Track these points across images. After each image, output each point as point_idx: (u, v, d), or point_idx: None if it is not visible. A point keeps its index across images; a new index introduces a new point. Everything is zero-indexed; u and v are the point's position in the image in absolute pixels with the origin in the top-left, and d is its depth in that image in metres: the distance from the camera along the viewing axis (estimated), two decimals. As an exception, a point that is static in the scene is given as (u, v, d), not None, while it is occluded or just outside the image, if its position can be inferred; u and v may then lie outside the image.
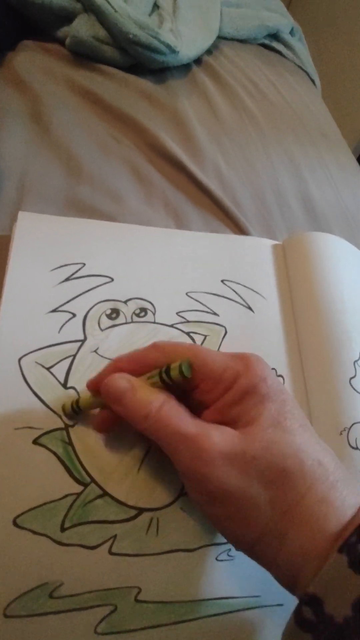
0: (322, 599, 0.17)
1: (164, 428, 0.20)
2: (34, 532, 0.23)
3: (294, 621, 0.18)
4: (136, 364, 0.23)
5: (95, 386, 0.24)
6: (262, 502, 0.19)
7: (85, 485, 0.25)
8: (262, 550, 0.20)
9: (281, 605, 0.25)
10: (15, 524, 0.23)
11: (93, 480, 0.25)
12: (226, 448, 0.19)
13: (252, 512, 0.19)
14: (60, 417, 0.26)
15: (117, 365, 0.24)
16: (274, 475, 0.19)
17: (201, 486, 0.20)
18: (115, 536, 0.24)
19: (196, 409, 0.22)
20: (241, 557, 0.25)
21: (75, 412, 0.26)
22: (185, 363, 0.21)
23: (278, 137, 0.56)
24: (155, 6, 0.61)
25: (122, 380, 0.22)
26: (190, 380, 0.22)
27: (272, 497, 0.19)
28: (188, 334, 0.32)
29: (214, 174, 0.47)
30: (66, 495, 0.24)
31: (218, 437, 0.20)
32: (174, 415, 0.21)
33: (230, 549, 0.26)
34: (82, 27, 0.53)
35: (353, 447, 0.29)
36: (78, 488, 0.25)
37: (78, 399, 0.26)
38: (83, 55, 0.54)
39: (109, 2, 0.52)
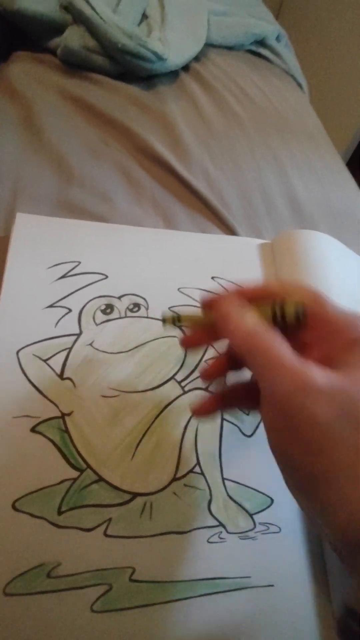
0: None
1: (264, 352, 0.20)
2: (33, 515, 0.24)
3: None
4: (256, 293, 0.24)
5: (208, 303, 0.25)
6: (351, 445, 0.18)
7: (81, 471, 0.26)
8: (324, 488, 0.19)
9: (272, 585, 0.26)
10: (14, 507, 0.24)
11: (89, 466, 0.26)
12: (324, 381, 0.19)
13: (332, 447, 0.18)
14: (57, 406, 0.28)
15: (238, 290, 0.24)
16: None
17: (287, 410, 0.19)
18: (110, 519, 0.25)
19: (297, 347, 0.22)
20: (232, 540, 0.27)
21: (174, 325, 0.26)
22: (300, 306, 0.22)
23: (265, 139, 0.58)
24: (144, 16, 0.63)
25: (233, 300, 0.23)
26: (301, 324, 0.22)
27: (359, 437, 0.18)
28: (180, 327, 0.34)
29: (202, 175, 0.48)
30: (63, 481, 0.26)
31: (320, 373, 0.19)
32: (276, 342, 0.20)
33: (221, 532, 0.27)
34: (73, 38, 0.54)
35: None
36: (74, 474, 0.26)
37: (179, 315, 0.26)
38: (74, 65, 0.56)
39: (98, 14, 0.53)
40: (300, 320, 0.22)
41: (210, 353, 0.33)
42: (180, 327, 0.28)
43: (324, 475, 0.19)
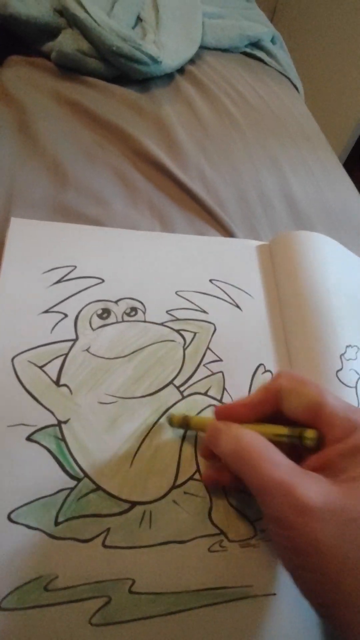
0: None
1: (254, 469, 0.19)
2: (29, 527, 0.24)
3: None
4: (253, 411, 0.24)
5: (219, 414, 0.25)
6: (352, 567, 0.17)
7: (79, 480, 0.25)
8: (339, 617, 0.18)
9: (274, 594, 0.26)
10: (9, 519, 0.24)
11: (86, 475, 0.26)
12: (322, 502, 0.18)
13: (339, 574, 0.17)
14: (53, 413, 0.27)
15: (235, 411, 0.24)
16: None
17: (287, 534, 0.18)
18: (108, 529, 0.25)
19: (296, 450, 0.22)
20: (233, 548, 0.26)
21: (180, 426, 0.27)
22: (314, 435, 0.21)
23: (261, 141, 0.58)
24: (139, 19, 0.63)
25: (221, 423, 0.23)
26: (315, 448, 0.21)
27: None
28: (178, 331, 0.33)
29: (198, 177, 0.48)
30: (60, 490, 0.25)
31: (315, 488, 0.18)
32: (266, 455, 0.20)
33: (222, 540, 0.26)
34: (67, 41, 0.54)
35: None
36: (71, 483, 0.25)
37: (189, 416, 0.26)
38: (68, 68, 0.56)
39: (92, 17, 0.53)
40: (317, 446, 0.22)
41: (210, 356, 0.33)
42: (186, 430, 0.28)
43: (336, 606, 0.18)
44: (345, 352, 0.33)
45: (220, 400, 0.31)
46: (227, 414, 0.24)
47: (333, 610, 0.18)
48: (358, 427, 0.20)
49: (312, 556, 0.18)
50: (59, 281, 0.33)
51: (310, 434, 0.21)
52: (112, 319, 0.32)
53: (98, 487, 0.26)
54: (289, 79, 0.79)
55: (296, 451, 0.22)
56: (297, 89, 0.81)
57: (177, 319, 0.34)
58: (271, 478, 0.19)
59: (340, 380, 0.31)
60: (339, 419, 0.21)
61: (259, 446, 0.20)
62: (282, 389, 0.23)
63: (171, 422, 0.27)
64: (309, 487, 0.18)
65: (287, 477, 0.18)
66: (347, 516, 0.17)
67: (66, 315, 0.31)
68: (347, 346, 0.33)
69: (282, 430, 0.22)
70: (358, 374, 0.32)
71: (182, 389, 0.30)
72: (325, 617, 0.19)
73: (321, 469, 0.20)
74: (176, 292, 0.35)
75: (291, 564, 0.19)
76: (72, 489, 0.25)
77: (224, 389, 0.31)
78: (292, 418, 0.22)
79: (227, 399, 0.31)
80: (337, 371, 0.32)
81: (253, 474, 0.19)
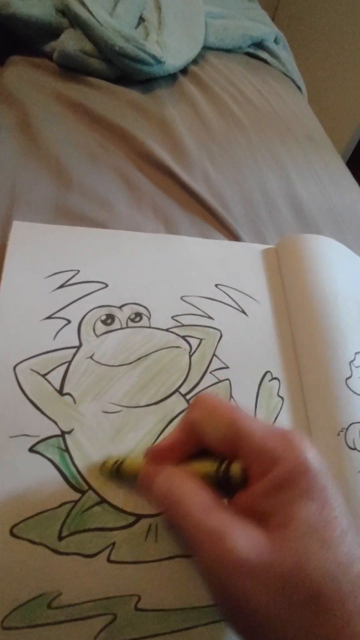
0: None
1: (183, 518, 0.18)
2: (32, 542, 0.23)
3: None
4: (180, 451, 0.22)
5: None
6: (293, 628, 0.16)
7: (83, 492, 0.25)
8: None
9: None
10: (12, 533, 0.23)
11: (90, 488, 0.25)
12: (251, 557, 0.16)
13: (278, 636, 0.16)
14: (56, 423, 0.26)
15: (165, 452, 0.22)
16: (306, 599, 0.16)
17: (220, 591, 0.17)
18: (113, 544, 0.24)
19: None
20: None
21: (112, 474, 0.25)
22: (238, 470, 0.19)
23: (265, 142, 0.57)
24: (141, 19, 0.62)
25: (151, 467, 0.21)
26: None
27: (303, 624, 0.16)
28: (184, 337, 0.32)
29: (203, 178, 0.47)
30: (63, 503, 0.24)
31: (243, 541, 0.16)
32: (196, 501, 0.18)
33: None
34: (69, 41, 0.54)
35: (351, 448, 0.29)
36: (75, 495, 0.25)
37: (122, 461, 0.24)
38: (71, 69, 0.55)
39: (94, 17, 0.52)
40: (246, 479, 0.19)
41: (216, 363, 0.32)
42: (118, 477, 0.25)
43: None
44: (354, 359, 0.32)
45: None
46: (160, 455, 0.22)
47: None
48: (278, 458, 0.18)
49: (246, 616, 0.16)
50: (61, 286, 0.32)
51: (234, 469, 0.19)
52: (116, 324, 0.31)
53: (102, 500, 0.25)
54: (292, 79, 0.79)
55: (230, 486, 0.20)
56: (300, 89, 0.80)
57: (183, 325, 0.33)
58: (200, 527, 0.17)
59: (349, 388, 0.31)
60: (257, 451, 0.18)
61: (188, 491, 0.18)
62: (195, 423, 0.21)
63: (102, 469, 0.25)
64: (239, 538, 0.17)
65: (217, 526, 0.17)
66: (277, 572, 0.16)
67: (69, 321, 0.30)
68: (356, 353, 0.32)
69: (210, 467, 0.20)
70: (368, 381, 0.31)
71: (188, 397, 0.30)
72: None
73: (250, 511, 0.18)
74: (181, 297, 0.35)
75: (235, 626, 0.18)
76: (76, 501, 0.24)
77: (231, 396, 0.31)
78: (216, 452, 0.20)
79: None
80: (347, 379, 0.31)
81: (183, 523, 0.18)
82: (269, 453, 0.18)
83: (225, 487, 0.19)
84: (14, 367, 0.27)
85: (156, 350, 0.31)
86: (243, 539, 0.17)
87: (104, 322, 0.31)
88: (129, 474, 0.24)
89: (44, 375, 0.28)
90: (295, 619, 0.16)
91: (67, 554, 0.23)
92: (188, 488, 0.19)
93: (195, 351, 0.32)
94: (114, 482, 0.25)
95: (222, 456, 0.20)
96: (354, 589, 0.16)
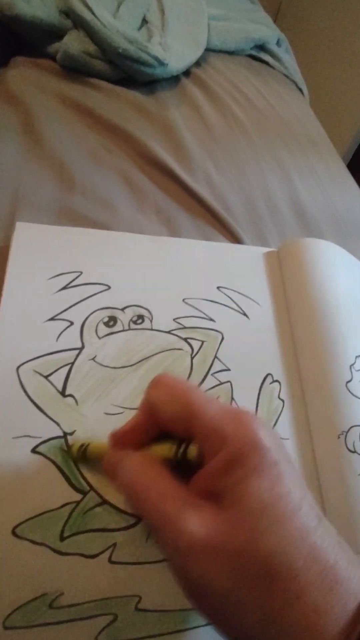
0: None
1: (143, 502, 0.18)
2: (33, 542, 0.23)
3: None
4: (141, 433, 0.22)
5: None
6: (248, 603, 0.16)
7: (84, 493, 0.25)
8: None
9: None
10: (14, 533, 0.23)
11: (92, 488, 0.25)
12: (205, 537, 0.17)
13: (236, 612, 0.17)
14: (58, 425, 0.26)
15: (128, 435, 0.22)
16: (259, 574, 0.16)
17: (180, 573, 0.18)
18: (114, 544, 0.24)
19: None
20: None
21: (78, 457, 0.25)
22: (195, 452, 0.20)
23: (267, 144, 0.57)
24: (144, 21, 0.62)
25: (115, 452, 0.22)
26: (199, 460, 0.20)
27: (257, 598, 0.16)
28: (185, 339, 0.33)
29: (205, 181, 0.48)
30: (65, 504, 0.24)
31: (196, 522, 0.17)
32: (154, 485, 0.19)
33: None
34: (73, 43, 0.54)
35: (351, 451, 0.29)
36: (77, 496, 0.25)
37: (87, 445, 0.25)
38: (74, 70, 0.55)
39: (98, 18, 0.53)
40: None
41: (218, 365, 0.32)
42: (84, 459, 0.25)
43: None
44: (355, 363, 0.32)
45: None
46: (122, 439, 0.22)
47: None
48: (227, 437, 0.18)
49: (207, 597, 0.17)
50: (64, 288, 0.32)
51: (191, 452, 0.19)
52: (118, 327, 0.32)
53: (104, 501, 0.25)
54: (294, 81, 0.79)
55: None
56: (302, 91, 0.80)
57: (184, 327, 0.33)
58: (158, 512, 0.18)
59: (350, 392, 0.31)
60: (208, 431, 0.19)
61: (147, 478, 0.19)
62: (152, 403, 0.21)
63: (71, 452, 0.26)
64: (194, 520, 0.17)
65: (173, 509, 0.18)
66: (229, 550, 0.16)
67: (72, 323, 0.31)
68: (356, 357, 0.32)
69: (169, 450, 0.20)
70: (368, 385, 0.31)
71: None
72: None
73: (205, 491, 0.18)
74: (183, 299, 0.35)
75: (197, 606, 0.18)
76: (77, 502, 0.25)
77: (232, 399, 0.31)
78: (173, 433, 0.20)
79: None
80: (347, 382, 0.31)
81: (143, 510, 0.18)
82: (219, 432, 0.18)
83: (184, 468, 0.20)
84: (17, 369, 0.28)
85: (158, 353, 0.31)
86: (195, 520, 0.17)
87: (106, 324, 0.31)
88: (94, 457, 0.24)
89: (46, 377, 0.28)
90: (249, 594, 0.16)
91: (69, 554, 0.23)
92: (147, 477, 0.19)
93: (196, 353, 0.32)
94: (81, 463, 0.26)
95: (181, 438, 0.20)
96: (306, 563, 0.16)
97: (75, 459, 0.25)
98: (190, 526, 0.17)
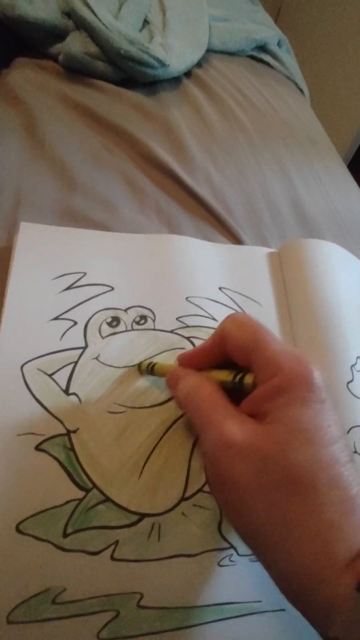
0: None
1: (197, 410, 0.22)
2: (37, 538, 0.23)
3: None
4: (208, 357, 0.25)
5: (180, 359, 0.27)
6: (268, 504, 0.18)
7: (87, 491, 0.25)
8: (261, 551, 0.19)
9: (283, 610, 0.25)
10: (18, 530, 0.23)
11: (95, 486, 0.25)
12: (241, 440, 0.19)
13: (255, 511, 0.18)
14: (62, 422, 0.27)
15: (194, 357, 0.26)
16: (283, 481, 0.18)
17: (213, 468, 0.20)
18: (117, 542, 0.24)
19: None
20: (243, 563, 0.26)
21: (148, 373, 0.29)
22: (251, 380, 0.22)
23: (268, 145, 0.57)
24: (145, 22, 0.63)
25: (179, 369, 0.25)
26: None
27: (276, 501, 0.18)
28: (188, 338, 0.33)
29: (206, 182, 0.48)
30: (68, 501, 0.25)
31: (237, 427, 0.20)
32: (209, 400, 0.22)
33: (232, 554, 0.26)
34: (74, 44, 0.54)
35: (352, 451, 0.29)
36: (80, 494, 0.25)
37: (155, 363, 0.29)
38: (76, 71, 0.56)
39: (99, 19, 0.53)
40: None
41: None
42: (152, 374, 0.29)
43: (252, 540, 0.19)
44: (356, 363, 0.32)
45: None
46: (188, 360, 0.26)
47: (249, 540, 0.20)
48: (282, 368, 0.20)
49: (230, 488, 0.19)
50: (68, 288, 0.32)
51: (248, 379, 0.22)
52: (121, 327, 0.32)
53: (107, 499, 0.25)
54: (294, 82, 0.79)
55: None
56: (302, 92, 0.80)
57: (188, 326, 0.33)
58: (208, 418, 0.21)
59: (351, 392, 0.31)
60: (267, 360, 0.21)
61: (204, 392, 0.22)
62: (224, 331, 0.23)
63: (140, 369, 0.30)
64: (235, 426, 0.20)
65: (220, 417, 0.20)
66: (260, 454, 0.19)
67: (75, 323, 0.31)
68: (357, 357, 0.33)
69: (228, 376, 0.23)
70: (368, 384, 0.32)
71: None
72: (253, 550, 0.20)
73: (253, 412, 0.21)
74: (186, 298, 0.35)
75: (220, 499, 0.21)
76: (80, 500, 0.25)
77: None
78: (235, 361, 0.23)
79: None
80: (348, 382, 0.31)
81: (195, 414, 0.22)
82: (277, 363, 0.20)
83: (238, 394, 0.22)
84: (21, 367, 0.28)
85: (160, 352, 0.31)
86: (238, 427, 0.20)
87: (109, 324, 0.32)
88: (159, 373, 0.28)
89: (50, 375, 0.28)
90: (271, 497, 0.18)
91: (72, 551, 0.24)
92: (203, 391, 0.22)
93: (198, 353, 0.32)
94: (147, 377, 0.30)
95: (240, 368, 0.23)
96: (330, 487, 0.18)
97: (141, 372, 0.29)
98: (231, 430, 0.19)
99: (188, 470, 0.27)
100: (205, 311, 0.35)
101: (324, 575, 0.17)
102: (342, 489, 0.18)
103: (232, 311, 0.36)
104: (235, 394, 0.22)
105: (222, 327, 0.24)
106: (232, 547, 0.26)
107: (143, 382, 0.30)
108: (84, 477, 0.25)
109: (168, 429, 0.28)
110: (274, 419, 0.19)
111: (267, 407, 0.20)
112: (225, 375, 0.23)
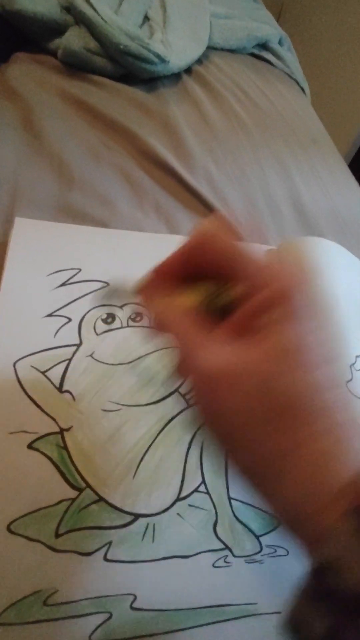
0: (338, 567, 0.15)
1: (177, 335, 0.19)
2: (28, 538, 0.23)
3: (307, 589, 0.16)
4: (186, 262, 0.21)
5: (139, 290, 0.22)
6: (258, 432, 0.17)
7: (81, 490, 0.25)
8: (260, 482, 0.18)
9: (278, 613, 0.25)
10: (9, 529, 0.23)
11: (88, 486, 0.25)
12: (225, 366, 0.17)
13: (250, 442, 0.17)
14: (55, 420, 0.26)
15: (159, 270, 0.22)
16: (273, 409, 0.17)
17: (204, 408, 0.18)
18: (110, 542, 0.24)
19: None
20: (238, 564, 0.25)
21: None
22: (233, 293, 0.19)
23: (268, 143, 0.57)
24: (146, 18, 0.62)
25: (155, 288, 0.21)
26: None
27: (268, 431, 0.17)
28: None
29: (205, 178, 0.47)
30: (61, 501, 0.24)
31: (218, 353, 0.17)
32: (184, 325, 0.19)
33: (227, 556, 0.25)
34: (74, 39, 0.53)
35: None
36: (73, 493, 0.25)
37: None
38: (75, 66, 0.55)
39: (99, 14, 0.52)
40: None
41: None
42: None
43: (251, 473, 0.18)
44: (355, 363, 0.32)
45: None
46: (163, 267, 0.21)
47: (253, 478, 0.18)
48: (277, 274, 0.17)
49: (219, 417, 0.17)
50: (63, 284, 0.32)
51: (236, 290, 0.19)
52: (116, 324, 0.31)
53: (100, 499, 0.25)
54: (296, 81, 0.79)
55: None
56: (303, 91, 0.80)
57: None
58: (188, 344, 0.18)
59: (350, 392, 0.31)
60: (258, 266, 0.18)
61: (181, 321, 0.19)
62: (206, 231, 0.20)
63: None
64: (214, 352, 0.17)
65: (199, 344, 0.18)
66: (251, 381, 0.17)
67: (70, 320, 0.30)
68: (357, 356, 0.32)
69: (206, 290, 0.20)
70: (368, 384, 0.31)
71: (187, 397, 0.30)
72: (252, 485, 0.18)
73: (240, 328, 0.18)
74: None
75: (213, 433, 0.18)
76: (73, 499, 0.24)
77: None
78: (210, 272, 0.20)
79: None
80: (347, 382, 0.31)
81: (178, 339, 0.19)
82: (270, 269, 0.18)
83: (221, 312, 0.19)
84: (14, 364, 0.27)
85: (156, 350, 0.31)
86: (217, 351, 0.17)
87: (104, 321, 0.31)
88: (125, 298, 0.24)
89: (44, 372, 0.28)
90: (265, 426, 0.16)
91: (64, 551, 0.23)
92: (176, 316, 0.19)
93: (195, 351, 0.32)
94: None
95: (220, 282, 0.19)
96: (324, 412, 0.16)
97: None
98: (210, 357, 0.17)
99: (184, 470, 0.27)
100: None
101: (319, 502, 0.16)
102: (332, 416, 0.17)
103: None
104: (217, 314, 0.19)
105: (202, 226, 0.20)
106: (227, 548, 0.25)
107: (138, 380, 0.29)
108: (77, 477, 0.25)
109: (164, 428, 0.28)
110: (265, 337, 0.17)
111: (258, 323, 0.17)
112: (204, 291, 0.20)
